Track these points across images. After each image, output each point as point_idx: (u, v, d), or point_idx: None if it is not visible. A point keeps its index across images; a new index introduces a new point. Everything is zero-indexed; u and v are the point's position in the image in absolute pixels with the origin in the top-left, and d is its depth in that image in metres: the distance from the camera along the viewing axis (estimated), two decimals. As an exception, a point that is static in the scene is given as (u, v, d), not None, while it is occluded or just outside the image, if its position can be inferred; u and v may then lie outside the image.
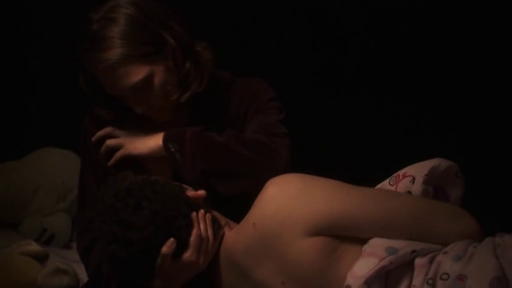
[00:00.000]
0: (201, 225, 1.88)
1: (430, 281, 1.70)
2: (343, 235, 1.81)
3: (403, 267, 1.75)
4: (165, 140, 2.02)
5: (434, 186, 1.93)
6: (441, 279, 1.69)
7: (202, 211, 1.90)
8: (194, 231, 1.86)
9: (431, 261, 1.74)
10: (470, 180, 1.96)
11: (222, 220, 1.96)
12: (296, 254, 1.78)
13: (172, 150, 2.01)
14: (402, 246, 1.76)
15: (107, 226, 1.83)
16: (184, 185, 1.96)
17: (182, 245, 1.86)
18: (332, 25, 2.89)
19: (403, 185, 1.93)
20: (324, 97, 2.93)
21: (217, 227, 1.92)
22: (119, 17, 1.94)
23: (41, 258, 2.42)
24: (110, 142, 2.08)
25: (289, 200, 1.81)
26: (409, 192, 1.92)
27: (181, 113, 2.10)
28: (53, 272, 2.32)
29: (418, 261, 1.74)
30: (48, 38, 3.19)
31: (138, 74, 1.94)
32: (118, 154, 2.06)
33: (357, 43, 2.88)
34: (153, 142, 2.04)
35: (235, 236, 1.91)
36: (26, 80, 3.28)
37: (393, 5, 2.79)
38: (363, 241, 1.82)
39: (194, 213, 1.89)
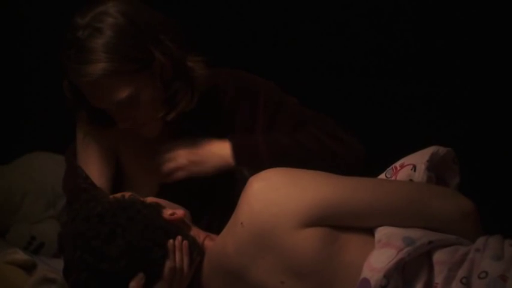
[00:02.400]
0: (177, 256, 1.82)
1: (464, 280, 1.66)
2: (341, 224, 1.76)
3: (419, 259, 1.71)
4: (236, 159, 1.96)
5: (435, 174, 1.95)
6: (479, 277, 1.66)
7: (179, 238, 1.83)
8: (168, 264, 1.80)
9: (452, 257, 1.71)
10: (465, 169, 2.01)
11: (201, 235, 1.90)
12: (294, 248, 1.73)
13: (244, 170, 1.95)
14: (419, 236, 1.73)
15: (78, 253, 1.78)
16: (161, 203, 1.89)
17: (154, 277, 1.80)
18: (335, 13, 2.95)
19: (403, 174, 1.92)
20: (318, 88, 2.95)
21: (196, 253, 1.86)
22: (106, 28, 1.86)
23: (28, 268, 2.34)
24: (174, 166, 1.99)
25: (277, 192, 1.76)
26: (411, 180, 1.91)
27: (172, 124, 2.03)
28: (40, 282, 2.22)
29: (438, 258, 1.71)
30: (41, 39, 3.15)
31: (122, 90, 1.88)
32: (178, 175, 1.98)
33: (357, 32, 2.94)
34: (218, 160, 1.96)
35: (222, 241, 1.85)
36: (15, 82, 3.26)
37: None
38: (365, 230, 1.78)
39: (171, 242, 1.82)
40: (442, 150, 1.94)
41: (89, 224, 1.79)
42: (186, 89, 1.96)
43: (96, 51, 1.85)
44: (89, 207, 1.81)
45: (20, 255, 2.34)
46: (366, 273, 1.69)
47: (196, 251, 1.86)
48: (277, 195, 1.76)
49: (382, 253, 1.71)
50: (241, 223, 1.77)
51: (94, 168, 2.12)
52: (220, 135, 2.05)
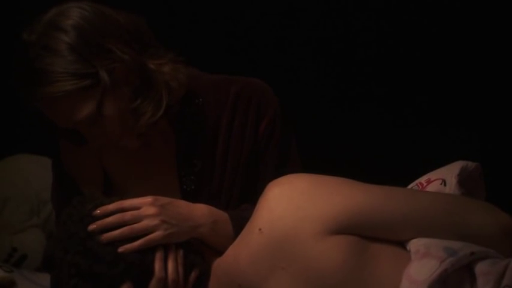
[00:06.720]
0: (169, 265, 1.75)
1: None
2: (371, 235, 1.70)
3: (460, 271, 1.65)
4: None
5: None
6: None
7: (173, 246, 1.77)
8: (156, 274, 1.73)
9: (495, 268, 1.65)
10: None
11: (204, 249, 1.83)
12: (320, 256, 1.65)
13: None
14: (459, 247, 1.68)
15: (70, 256, 1.71)
16: None
17: (144, 285, 1.74)
18: (340, 29, 3.01)
19: (432, 190, 1.90)
20: (330, 105, 3.01)
21: (197, 263, 1.78)
22: (57, 44, 1.81)
23: (6, 286, 2.32)
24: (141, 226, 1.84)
25: (302, 196, 1.70)
26: None
27: (160, 129, 1.99)
28: (19, 301, 2.26)
29: (481, 269, 1.65)
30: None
31: (80, 109, 1.84)
32: (148, 239, 1.81)
33: (365, 47, 2.99)
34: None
35: (233, 252, 1.77)
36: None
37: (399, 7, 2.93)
38: (395, 242, 1.74)
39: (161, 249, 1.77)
40: (470, 164, 1.94)
41: (83, 224, 1.74)
42: (150, 97, 1.93)
43: (50, 72, 1.82)
44: (84, 208, 1.77)
45: (-3, 272, 2.37)
46: (406, 285, 1.62)
47: (197, 263, 1.79)
48: (301, 199, 1.69)
49: (423, 264, 1.64)
50: (260, 229, 1.69)
51: (81, 178, 2.09)
52: (207, 139, 2.05)
